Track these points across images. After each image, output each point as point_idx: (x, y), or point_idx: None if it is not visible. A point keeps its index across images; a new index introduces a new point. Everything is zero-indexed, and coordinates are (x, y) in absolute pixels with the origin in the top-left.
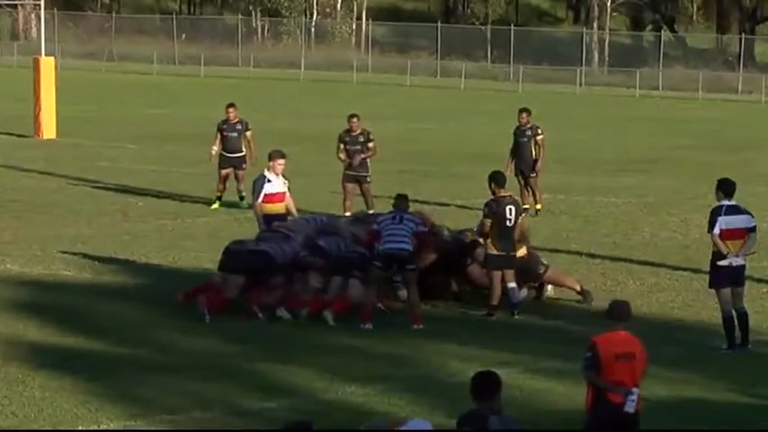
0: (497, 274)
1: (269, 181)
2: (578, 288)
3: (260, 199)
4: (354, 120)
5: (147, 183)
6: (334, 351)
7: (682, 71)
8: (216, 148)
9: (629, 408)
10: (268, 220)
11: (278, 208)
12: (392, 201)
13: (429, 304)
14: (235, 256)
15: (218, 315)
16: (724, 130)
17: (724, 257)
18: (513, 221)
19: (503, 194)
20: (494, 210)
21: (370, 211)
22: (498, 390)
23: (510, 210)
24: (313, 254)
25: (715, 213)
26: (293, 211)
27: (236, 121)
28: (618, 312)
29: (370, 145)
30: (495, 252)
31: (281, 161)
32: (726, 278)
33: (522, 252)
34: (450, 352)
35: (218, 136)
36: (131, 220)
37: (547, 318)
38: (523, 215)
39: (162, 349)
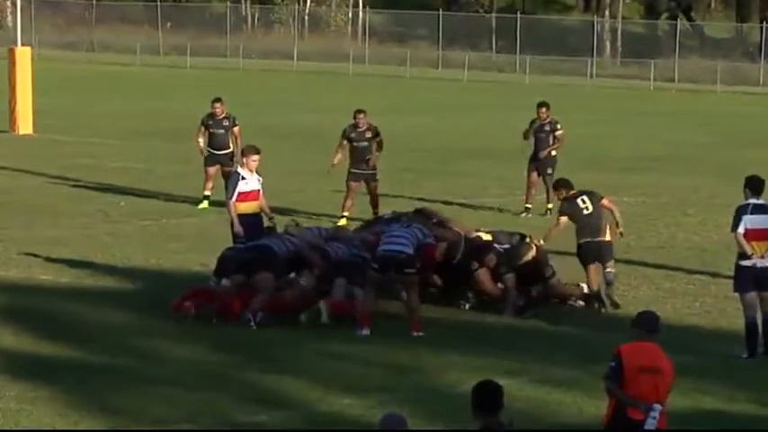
0: None
1: (243, 178)
2: (580, 294)
3: (234, 197)
4: (361, 116)
5: (129, 181)
6: (330, 359)
7: (699, 62)
8: (202, 140)
9: (650, 426)
10: (242, 219)
11: (252, 207)
12: (394, 208)
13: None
14: (235, 256)
15: (208, 321)
16: (744, 124)
17: (748, 258)
18: None
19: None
20: None
21: (376, 214)
22: (502, 401)
23: None
24: (314, 251)
25: (740, 212)
26: (266, 209)
27: (222, 116)
28: (646, 323)
29: (374, 147)
30: None
31: (255, 157)
32: (749, 281)
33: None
34: (452, 361)
35: (203, 130)
36: (113, 220)
37: (554, 323)
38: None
39: (146, 357)
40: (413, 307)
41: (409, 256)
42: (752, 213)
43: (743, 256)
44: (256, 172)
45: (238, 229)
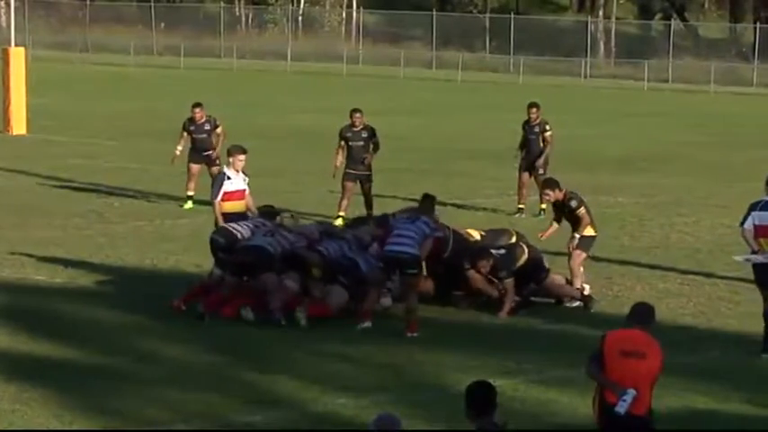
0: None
1: (229, 178)
2: (579, 295)
3: (219, 197)
4: (357, 114)
5: (123, 182)
6: (325, 360)
7: (693, 62)
8: (180, 149)
9: (620, 408)
10: (228, 218)
11: (238, 206)
12: (388, 208)
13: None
14: (225, 256)
15: (201, 321)
16: (738, 125)
17: (754, 253)
18: None
19: None
20: None
21: (370, 215)
22: (497, 402)
23: None
24: (311, 252)
25: (750, 208)
26: (253, 209)
27: (202, 121)
28: (635, 314)
29: (370, 147)
30: None
31: (242, 157)
32: (757, 276)
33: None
34: (447, 361)
35: (184, 135)
36: (107, 221)
37: (549, 323)
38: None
39: (141, 358)
40: (410, 308)
41: (412, 256)
42: (761, 210)
43: (753, 252)
44: (242, 172)
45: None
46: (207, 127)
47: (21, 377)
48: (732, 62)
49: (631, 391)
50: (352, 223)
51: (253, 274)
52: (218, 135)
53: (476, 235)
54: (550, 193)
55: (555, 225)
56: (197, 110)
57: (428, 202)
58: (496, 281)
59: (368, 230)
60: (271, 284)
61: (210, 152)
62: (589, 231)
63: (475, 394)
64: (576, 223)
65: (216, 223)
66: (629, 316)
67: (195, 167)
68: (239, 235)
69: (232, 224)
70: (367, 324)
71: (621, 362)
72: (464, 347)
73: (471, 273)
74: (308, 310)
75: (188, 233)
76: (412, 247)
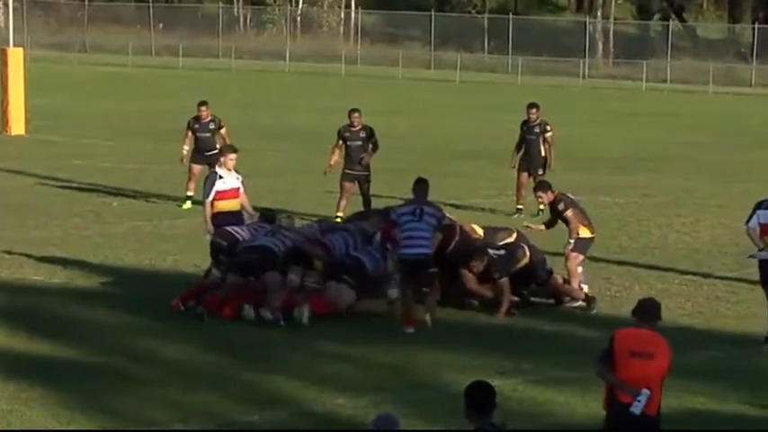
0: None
1: (221, 177)
2: (582, 296)
3: (211, 196)
4: (356, 115)
5: (122, 182)
6: (323, 360)
7: (691, 63)
8: (187, 148)
9: (636, 409)
10: (222, 217)
11: (231, 205)
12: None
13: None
14: (228, 256)
15: (200, 321)
16: (736, 125)
17: (759, 251)
18: None
19: None
20: None
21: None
22: (495, 402)
23: None
24: (314, 245)
25: (756, 206)
26: (248, 208)
27: (208, 119)
28: (641, 310)
29: (368, 147)
30: None
31: (233, 156)
32: (762, 275)
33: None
34: (445, 361)
35: (189, 134)
36: (105, 221)
37: (547, 323)
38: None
39: (139, 357)
40: (431, 306)
41: (429, 255)
42: (766, 208)
43: (759, 250)
44: (235, 170)
45: (210, 227)
46: (211, 126)
47: (19, 377)
48: (730, 62)
49: (645, 392)
50: (352, 218)
51: (257, 272)
52: (223, 136)
53: (479, 231)
54: (543, 195)
55: (542, 227)
56: (203, 108)
57: (422, 185)
58: (492, 281)
59: (371, 224)
60: (273, 283)
61: (214, 152)
62: (584, 233)
63: (474, 394)
64: (567, 225)
65: (206, 223)
66: (636, 312)
67: (197, 168)
68: (240, 237)
69: (234, 227)
70: (410, 330)
71: (632, 362)
72: (463, 347)
73: (464, 272)
74: (315, 307)
75: (186, 233)
76: (428, 248)
